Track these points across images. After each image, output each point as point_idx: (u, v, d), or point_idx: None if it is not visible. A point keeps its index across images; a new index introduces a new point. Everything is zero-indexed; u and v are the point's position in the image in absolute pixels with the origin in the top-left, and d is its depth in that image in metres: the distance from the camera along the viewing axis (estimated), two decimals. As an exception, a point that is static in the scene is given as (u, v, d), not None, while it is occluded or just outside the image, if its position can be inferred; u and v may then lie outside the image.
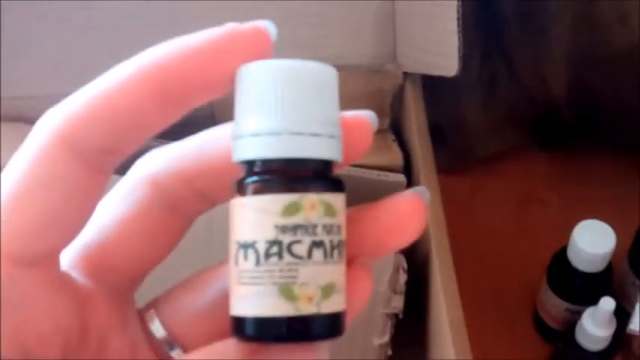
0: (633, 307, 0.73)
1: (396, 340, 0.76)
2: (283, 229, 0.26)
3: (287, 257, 0.26)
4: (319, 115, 0.27)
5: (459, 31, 0.71)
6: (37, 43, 0.74)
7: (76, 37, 0.74)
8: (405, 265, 0.73)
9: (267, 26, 0.28)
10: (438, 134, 0.79)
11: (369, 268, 0.30)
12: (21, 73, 0.74)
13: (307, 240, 0.26)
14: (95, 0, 0.72)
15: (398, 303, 0.74)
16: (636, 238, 0.82)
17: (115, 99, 0.27)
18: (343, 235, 0.27)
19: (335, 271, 0.27)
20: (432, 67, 0.76)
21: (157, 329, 0.31)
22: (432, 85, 0.80)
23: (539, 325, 0.88)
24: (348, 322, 0.28)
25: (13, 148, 0.70)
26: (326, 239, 0.26)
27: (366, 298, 0.29)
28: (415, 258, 0.76)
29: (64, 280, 0.29)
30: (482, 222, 0.96)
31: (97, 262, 0.30)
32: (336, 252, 0.27)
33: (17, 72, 0.74)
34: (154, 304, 0.32)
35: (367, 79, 0.78)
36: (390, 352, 0.76)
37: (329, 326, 0.27)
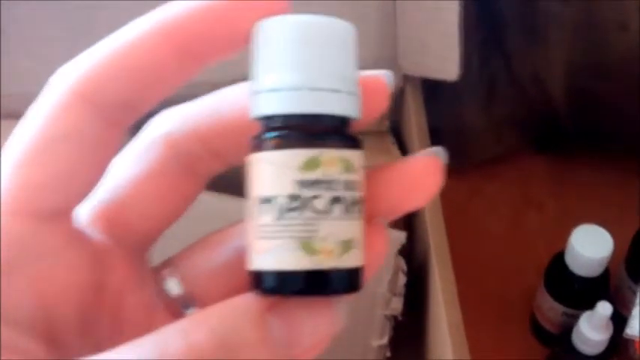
0: (630, 311, 0.74)
1: (395, 342, 0.77)
2: (303, 183, 0.26)
3: (307, 212, 0.26)
4: (339, 72, 0.27)
5: (460, 36, 0.71)
6: (41, 41, 0.74)
7: (79, 36, 0.74)
8: (405, 268, 0.74)
9: None
10: (437, 137, 0.79)
11: (385, 228, 0.30)
12: (23, 70, 0.74)
13: (327, 195, 0.26)
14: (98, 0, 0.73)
15: (397, 305, 0.74)
16: (633, 243, 0.83)
17: (133, 54, 0.27)
18: (362, 192, 0.28)
19: (354, 227, 0.27)
20: (432, 71, 0.77)
21: (173, 287, 0.32)
22: (431, 88, 0.81)
23: (537, 328, 0.88)
24: (365, 279, 0.28)
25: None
26: (346, 195, 0.27)
27: (382, 258, 0.30)
28: (414, 260, 0.77)
29: (80, 236, 0.29)
30: (481, 225, 0.97)
31: (112, 220, 0.31)
32: (355, 208, 0.27)
33: (20, 70, 0.74)
34: (169, 263, 0.32)
35: None
36: (388, 354, 0.77)
37: (348, 281, 0.27)
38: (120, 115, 0.28)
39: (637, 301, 0.72)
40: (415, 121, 0.78)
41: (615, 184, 0.97)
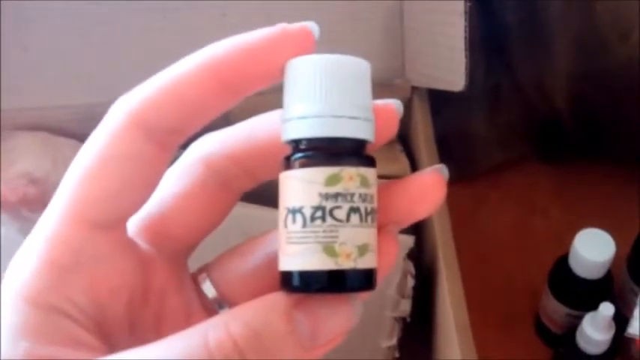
0: (632, 312, 0.76)
1: (404, 343, 0.80)
2: (326, 196, 0.31)
3: (329, 220, 0.31)
4: (356, 101, 0.32)
5: (465, 49, 0.75)
6: (58, 56, 0.78)
7: (95, 49, 0.79)
8: (413, 271, 0.77)
9: (312, 27, 0.33)
10: (443, 145, 0.82)
11: (396, 235, 0.35)
12: (42, 85, 0.79)
13: (346, 206, 0.31)
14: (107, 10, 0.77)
15: (406, 307, 0.77)
16: (635, 246, 0.85)
17: (181, 87, 0.32)
18: (375, 204, 0.33)
19: (368, 234, 0.32)
20: (439, 82, 0.80)
21: (209, 290, 0.37)
22: (438, 98, 0.84)
23: (541, 329, 0.91)
24: (378, 280, 0.33)
25: (39, 155, 0.74)
26: (362, 206, 0.32)
27: (393, 261, 0.35)
28: (422, 264, 0.80)
29: (130, 244, 0.35)
30: (487, 230, 0.99)
31: (157, 230, 0.36)
32: (369, 217, 0.32)
33: (39, 84, 0.79)
34: (205, 269, 0.37)
35: (376, 92, 0.81)
36: (397, 355, 0.80)
37: (364, 280, 0.32)
38: (168, 139, 0.33)
39: (638, 301, 0.75)
40: (422, 130, 0.81)
41: (617, 190, 0.99)
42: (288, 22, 0.72)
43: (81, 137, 0.78)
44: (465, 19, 0.73)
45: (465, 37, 0.74)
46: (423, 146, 0.80)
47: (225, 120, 0.36)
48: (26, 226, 0.72)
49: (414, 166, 0.83)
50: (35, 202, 0.73)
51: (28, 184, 0.73)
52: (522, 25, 0.89)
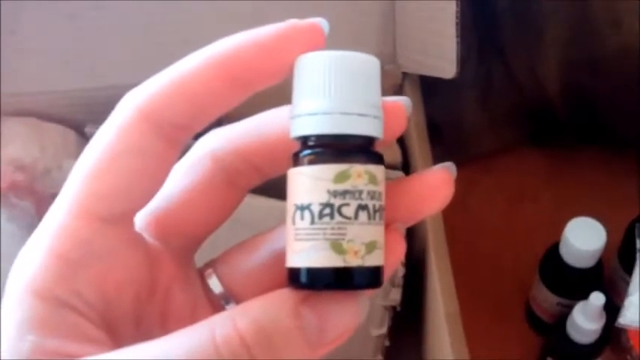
0: (622, 301, 0.77)
1: (394, 331, 0.80)
2: (334, 193, 0.32)
3: (337, 217, 0.32)
4: (365, 99, 0.33)
5: (457, 35, 0.75)
6: (47, 41, 0.78)
7: (85, 34, 0.78)
8: (403, 260, 0.76)
9: (322, 22, 0.34)
10: (434, 131, 0.83)
11: (402, 232, 0.36)
12: (31, 70, 0.79)
13: (354, 203, 0.32)
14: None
15: (396, 295, 0.78)
16: (626, 235, 0.87)
17: (191, 83, 0.33)
18: (383, 202, 0.33)
19: (376, 231, 0.33)
20: (430, 68, 0.80)
21: (215, 285, 0.37)
22: (429, 85, 0.85)
23: (532, 318, 0.92)
24: (385, 277, 0.34)
25: (27, 142, 0.74)
26: (370, 203, 0.32)
27: (400, 258, 0.36)
28: (413, 252, 0.80)
29: (138, 239, 0.35)
30: (477, 217, 1.00)
31: (164, 225, 0.36)
32: (377, 215, 0.33)
33: (28, 69, 0.79)
34: (211, 264, 0.38)
35: None
36: (387, 343, 0.80)
37: (371, 277, 0.33)
38: (177, 134, 0.34)
39: (629, 290, 0.76)
40: (414, 116, 0.81)
41: (609, 177, 1.00)
42: (279, 8, 0.72)
43: (69, 123, 0.79)
44: (457, 5, 0.74)
45: (457, 24, 0.75)
46: (414, 132, 0.81)
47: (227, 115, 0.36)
48: (15, 214, 0.72)
49: (405, 153, 0.83)
50: (23, 189, 0.73)
51: (16, 171, 0.73)
52: (514, 12, 0.90)
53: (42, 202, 0.73)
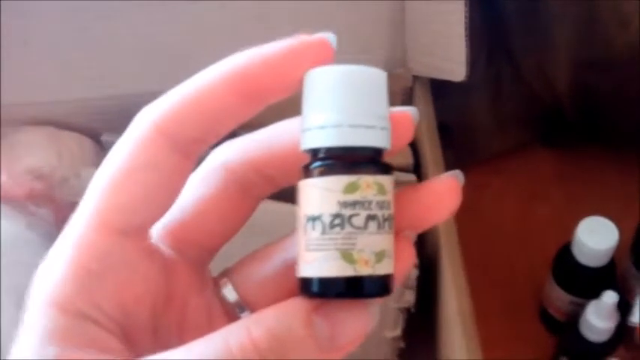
0: (635, 300, 0.78)
1: (409, 333, 0.81)
2: (344, 204, 0.32)
3: (347, 227, 0.32)
4: (373, 111, 0.33)
5: (466, 39, 0.76)
6: (60, 51, 0.79)
7: (97, 44, 0.79)
8: (417, 261, 0.77)
9: (330, 38, 0.35)
10: (445, 133, 0.83)
11: (412, 240, 0.36)
12: (46, 79, 0.80)
13: (364, 214, 0.33)
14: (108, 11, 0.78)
15: (409, 297, 0.78)
16: (638, 233, 0.87)
17: (205, 98, 0.34)
18: (392, 211, 0.34)
19: (386, 240, 0.33)
20: (440, 71, 0.81)
21: (230, 294, 0.38)
22: (439, 87, 0.85)
23: (545, 317, 0.93)
24: (396, 284, 0.35)
25: (45, 150, 0.75)
26: (379, 213, 0.33)
27: (410, 265, 0.36)
28: (425, 254, 0.80)
29: (154, 250, 0.36)
30: (489, 218, 1.00)
31: (179, 236, 0.37)
32: (386, 224, 0.33)
33: (43, 79, 0.80)
34: (226, 273, 0.39)
35: None
36: (402, 345, 0.81)
37: (381, 286, 0.34)
38: (191, 148, 0.34)
39: (640, 289, 0.76)
40: (424, 118, 0.82)
41: (619, 176, 1.00)
42: (287, 14, 0.72)
43: (86, 132, 0.79)
44: (466, 8, 0.75)
45: (466, 26, 0.75)
46: (425, 135, 0.81)
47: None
48: (34, 222, 0.73)
49: (417, 155, 0.83)
50: (41, 197, 0.74)
51: (34, 180, 0.74)
52: (523, 13, 0.90)
53: (60, 209, 0.74)
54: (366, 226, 0.33)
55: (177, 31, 0.79)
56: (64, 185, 0.75)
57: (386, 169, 0.34)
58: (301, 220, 0.34)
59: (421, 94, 0.85)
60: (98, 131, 0.79)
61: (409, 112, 0.37)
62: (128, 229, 0.34)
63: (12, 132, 0.79)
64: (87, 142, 0.80)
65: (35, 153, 0.76)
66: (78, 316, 0.32)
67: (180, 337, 0.36)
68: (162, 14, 0.78)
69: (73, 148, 0.78)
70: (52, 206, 0.74)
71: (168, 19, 0.78)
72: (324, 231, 0.33)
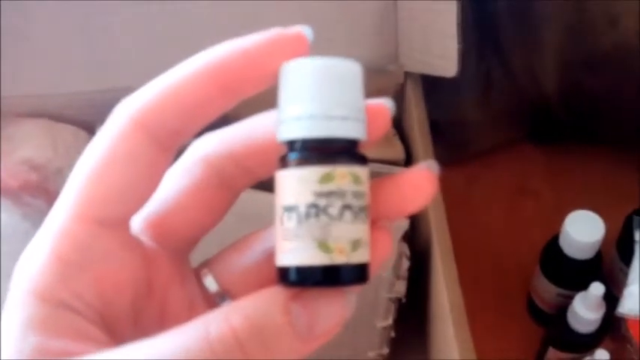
0: (621, 291, 0.77)
1: (399, 323, 0.81)
2: (320, 194, 0.32)
3: (323, 217, 0.32)
4: (348, 102, 0.33)
5: (458, 35, 0.76)
6: (59, 45, 0.79)
7: (94, 39, 0.79)
8: (408, 253, 0.78)
9: (306, 31, 0.34)
10: (436, 129, 0.83)
11: (388, 229, 0.36)
12: (43, 73, 0.80)
13: (339, 203, 0.32)
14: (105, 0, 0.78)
15: (401, 288, 0.79)
16: (624, 227, 0.87)
17: (182, 91, 0.34)
18: (368, 201, 0.34)
19: (361, 230, 0.33)
20: (432, 67, 0.81)
21: (211, 284, 0.38)
22: (431, 83, 0.85)
23: (533, 309, 0.92)
24: (372, 273, 0.34)
25: (40, 142, 0.75)
26: (354, 203, 0.33)
27: (386, 254, 0.36)
28: (417, 245, 0.81)
29: (134, 241, 0.36)
30: (479, 212, 1.01)
31: (160, 228, 0.37)
32: (362, 214, 0.33)
33: (41, 72, 0.80)
34: (206, 264, 0.39)
35: (370, 78, 0.81)
36: (393, 335, 0.81)
37: (357, 274, 0.33)
38: (170, 140, 0.34)
39: (628, 280, 0.77)
40: (416, 114, 0.83)
41: (606, 172, 1.01)
42: (280, 9, 0.72)
43: (81, 124, 0.79)
44: (458, 5, 0.75)
45: (458, 23, 0.75)
46: (416, 130, 0.81)
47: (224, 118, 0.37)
48: (29, 212, 0.73)
49: (408, 150, 0.84)
50: (36, 189, 0.74)
51: (29, 171, 0.74)
52: (513, 11, 0.90)
53: (55, 200, 0.74)
54: (341, 216, 0.32)
55: (174, 26, 0.79)
56: (58, 176, 0.75)
57: (361, 159, 0.34)
58: (278, 210, 0.33)
59: (413, 90, 0.85)
60: (93, 123, 0.79)
61: (384, 103, 0.36)
62: (107, 220, 0.34)
63: (8, 124, 0.79)
64: (81, 134, 0.80)
65: (31, 144, 0.76)
66: (58, 306, 0.32)
67: (161, 326, 0.36)
68: (160, 10, 0.78)
69: (68, 139, 0.78)
70: (47, 197, 0.74)
71: (166, 14, 0.78)
72: (300, 221, 0.32)
